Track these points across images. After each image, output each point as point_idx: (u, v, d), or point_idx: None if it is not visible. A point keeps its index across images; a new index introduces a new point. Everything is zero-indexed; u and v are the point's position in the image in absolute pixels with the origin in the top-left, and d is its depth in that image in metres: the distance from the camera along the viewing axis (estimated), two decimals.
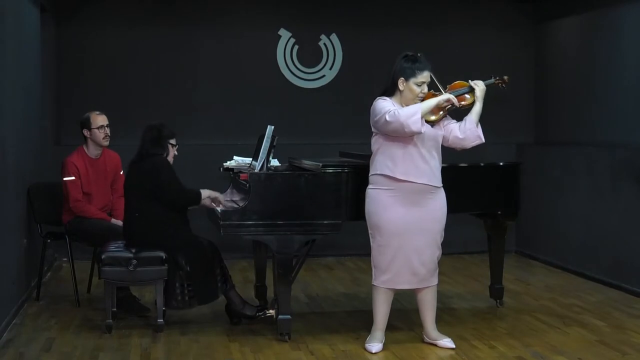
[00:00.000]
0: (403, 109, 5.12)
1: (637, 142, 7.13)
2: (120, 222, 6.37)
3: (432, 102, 5.20)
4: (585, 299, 6.77)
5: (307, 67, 8.85)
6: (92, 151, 6.60)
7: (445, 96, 5.25)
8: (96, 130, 6.54)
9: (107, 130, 6.57)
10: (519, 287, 7.22)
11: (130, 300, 6.24)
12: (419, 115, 5.06)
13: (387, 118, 5.09)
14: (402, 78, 5.20)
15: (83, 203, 6.47)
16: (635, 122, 7.22)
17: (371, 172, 5.31)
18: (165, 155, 5.89)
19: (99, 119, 6.56)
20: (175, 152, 5.99)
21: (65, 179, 6.49)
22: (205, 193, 5.89)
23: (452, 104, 5.27)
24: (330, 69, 8.89)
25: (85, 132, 6.57)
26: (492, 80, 5.54)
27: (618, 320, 6.09)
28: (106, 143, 6.60)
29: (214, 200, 5.90)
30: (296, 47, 8.82)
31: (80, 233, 6.49)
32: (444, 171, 5.37)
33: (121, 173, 6.74)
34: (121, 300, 6.03)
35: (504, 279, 6.53)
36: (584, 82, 8.12)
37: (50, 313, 6.28)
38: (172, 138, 5.95)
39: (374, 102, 5.26)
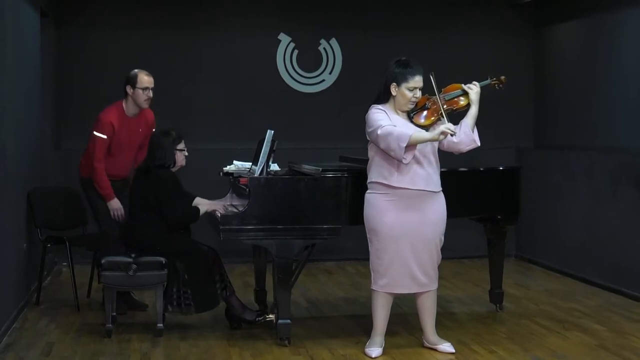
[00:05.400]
0: (395, 129, 5.03)
1: (637, 147, 7.13)
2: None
3: (426, 135, 5.07)
4: (585, 304, 6.77)
5: (306, 71, 8.86)
6: (130, 110, 6.39)
7: (441, 129, 5.03)
8: (140, 91, 6.31)
9: (150, 93, 6.35)
10: (518, 292, 7.22)
11: (127, 297, 6.36)
12: (404, 145, 4.98)
13: (379, 132, 5.08)
14: (394, 83, 5.20)
15: (102, 168, 6.30)
16: (635, 127, 7.22)
17: (368, 179, 5.32)
18: (172, 164, 5.88)
19: (146, 80, 6.34)
20: (186, 154, 5.98)
21: (96, 133, 6.30)
22: (202, 208, 5.90)
23: (449, 135, 5.08)
24: (330, 73, 8.89)
25: (128, 89, 6.35)
26: (488, 81, 5.49)
27: (618, 325, 6.09)
28: (146, 105, 6.39)
29: (212, 211, 5.90)
30: (296, 51, 8.83)
31: (91, 199, 6.43)
32: (443, 176, 5.37)
33: (153, 130, 6.56)
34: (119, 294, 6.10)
35: (503, 283, 6.54)
36: (584, 86, 8.13)
37: (50, 317, 6.28)
38: (179, 143, 5.94)
39: (368, 111, 5.26)
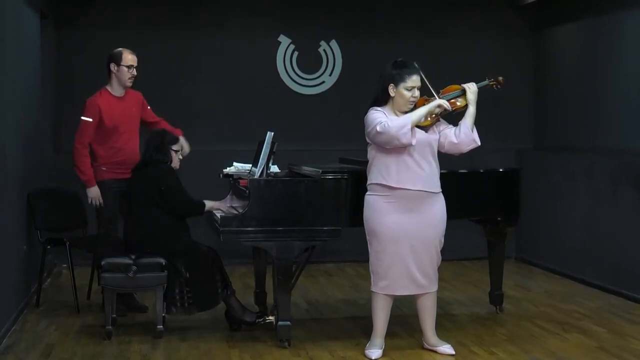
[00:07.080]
0: (394, 120, 5.11)
1: (637, 147, 7.13)
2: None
3: (422, 110, 5.19)
4: (585, 305, 6.77)
5: (306, 73, 8.86)
6: (116, 90, 6.35)
7: (437, 102, 5.23)
8: (124, 68, 6.29)
9: (134, 72, 6.33)
10: (518, 293, 7.22)
11: (128, 299, 6.36)
12: (409, 127, 5.06)
13: (378, 129, 5.09)
14: (392, 84, 5.21)
15: (84, 152, 6.24)
16: (635, 127, 7.22)
17: (368, 181, 5.33)
18: (169, 162, 5.91)
19: (130, 58, 6.32)
20: (180, 157, 6.02)
21: (83, 117, 6.27)
22: (208, 204, 5.91)
23: (445, 109, 5.25)
24: (330, 75, 8.89)
25: (112, 67, 6.31)
26: (486, 81, 5.51)
27: (618, 327, 6.09)
28: (129, 84, 6.36)
29: (215, 211, 5.92)
30: (296, 53, 8.83)
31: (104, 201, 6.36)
32: (443, 177, 5.37)
33: (148, 108, 6.56)
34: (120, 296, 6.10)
35: (503, 285, 6.54)
36: (584, 87, 8.13)
37: (50, 319, 6.28)
38: (174, 144, 5.97)
39: (367, 113, 5.26)
